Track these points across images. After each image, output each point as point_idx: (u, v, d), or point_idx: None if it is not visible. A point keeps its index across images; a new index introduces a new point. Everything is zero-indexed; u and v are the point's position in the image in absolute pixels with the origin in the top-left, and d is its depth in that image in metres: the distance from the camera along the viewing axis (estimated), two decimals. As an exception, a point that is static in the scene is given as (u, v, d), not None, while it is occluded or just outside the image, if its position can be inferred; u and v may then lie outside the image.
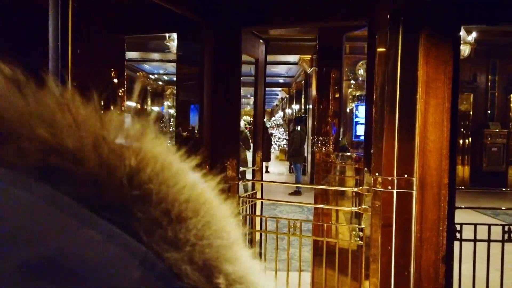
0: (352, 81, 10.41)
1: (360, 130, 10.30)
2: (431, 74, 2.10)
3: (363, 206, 2.86)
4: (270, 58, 11.54)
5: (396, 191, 2.16)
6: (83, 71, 2.70)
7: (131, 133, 0.29)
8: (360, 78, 10.32)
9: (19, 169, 0.27)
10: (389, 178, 2.17)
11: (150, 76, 15.71)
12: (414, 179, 2.14)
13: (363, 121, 10.58)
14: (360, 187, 2.85)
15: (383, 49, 2.22)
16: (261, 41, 4.51)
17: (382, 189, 2.19)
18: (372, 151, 2.26)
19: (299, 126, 10.77)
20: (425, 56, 2.09)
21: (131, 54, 12.95)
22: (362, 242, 2.90)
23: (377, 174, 2.22)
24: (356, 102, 10.49)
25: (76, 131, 0.27)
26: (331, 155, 3.60)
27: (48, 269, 0.23)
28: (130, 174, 0.27)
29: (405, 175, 2.15)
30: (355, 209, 2.85)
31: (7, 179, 0.26)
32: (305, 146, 10.74)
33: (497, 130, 11.54)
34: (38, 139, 0.27)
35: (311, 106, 11.61)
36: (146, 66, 15.03)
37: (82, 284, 0.23)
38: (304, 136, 10.79)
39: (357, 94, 10.59)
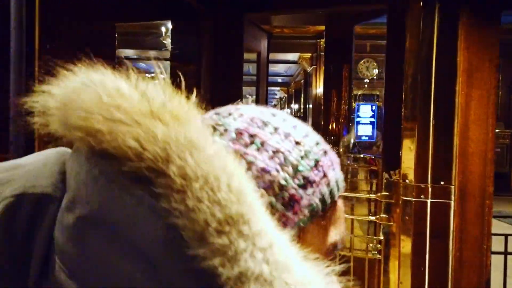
0: (366, 80, 10.09)
1: (362, 130, 10.00)
2: (473, 61, 1.76)
3: (381, 215, 2.52)
4: (269, 56, 11.20)
5: (431, 201, 1.82)
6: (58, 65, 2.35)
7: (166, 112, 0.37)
8: (366, 79, 10.02)
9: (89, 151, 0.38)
10: (422, 186, 1.83)
11: (147, 74, 15.35)
12: (453, 186, 1.80)
13: (365, 121, 10.29)
14: (379, 194, 2.52)
15: (415, 33, 1.88)
16: (264, 33, 4.17)
17: (413, 199, 1.85)
18: (401, 153, 1.92)
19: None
20: (466, 40, 1.76)
21: (127, 52, 12.64)
22: (380, 256, 2.57)
23: (407, 180, 1.88)
24: (358, 102, 10.17)
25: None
26: (341, 156, 3.26)
27: (95, 222, 0.34)
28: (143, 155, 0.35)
29: (442, 182, 1.82)
30: (372, 218, 2.52)
31: (76, 156, 0.39)
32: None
33: (500, 130, 11.27)
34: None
35: (311, 106, 11.32)
36: (142, 65, 14.68)
37: (118, 236, 0.33)
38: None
39: (359, 93, 10.28)
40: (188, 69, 2.76)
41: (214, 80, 2.72)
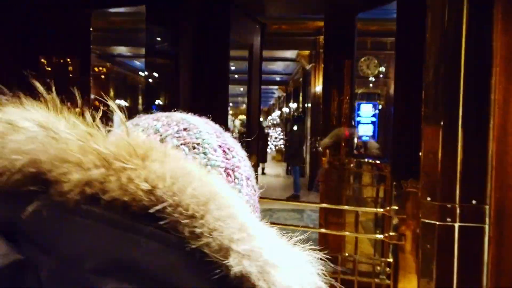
0: (371, 79, 9.74)
1: (362, 130, 9.68)
2: (514, 47, 1.40)
3: (391, 233, 2.16)
4: (267, 54, 10.90)
5: (459, 225, 1.45)
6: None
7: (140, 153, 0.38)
8: (368, 77, 9.69)
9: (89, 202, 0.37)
10: (449, 206, 1.46)
11: (140, 73, 14.97)
12: (487, 206, 1.43)
13: (366, 120, 9.95)
14: (388, 208, 2.15)
15: (438, 15, 1.51)
16: (256, 24, 3.81)
17: (437, 222, 1.48)
18: (422, 164, 1.55)
19: (297, 126, 10.10)
20: (505, 19, 1.39)
21: (120, 49, 12.32)
22: (389, 281, 2.21)
23: (428, 198, 1.51)
24: (358, 101, 9.82)
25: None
26: (346, 160, 2.90)
27: (112, 269, 0.34)
28: (148, 191, 0.36)
29: (473, 201, 1.45)
30: (380, 237, 2.16)
31: (86, 211, 0.37)
32: (304, 147, 10.15)
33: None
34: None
35: (310, 105, 11.01)
36: (137, 63, 14.33)
37: (136, 274, 0.33)
38: (303, 136, 10.22)
39: (359, 91, 9.95)
40: (165, 65, 2.36)
41: (195, 77, 2.34)
